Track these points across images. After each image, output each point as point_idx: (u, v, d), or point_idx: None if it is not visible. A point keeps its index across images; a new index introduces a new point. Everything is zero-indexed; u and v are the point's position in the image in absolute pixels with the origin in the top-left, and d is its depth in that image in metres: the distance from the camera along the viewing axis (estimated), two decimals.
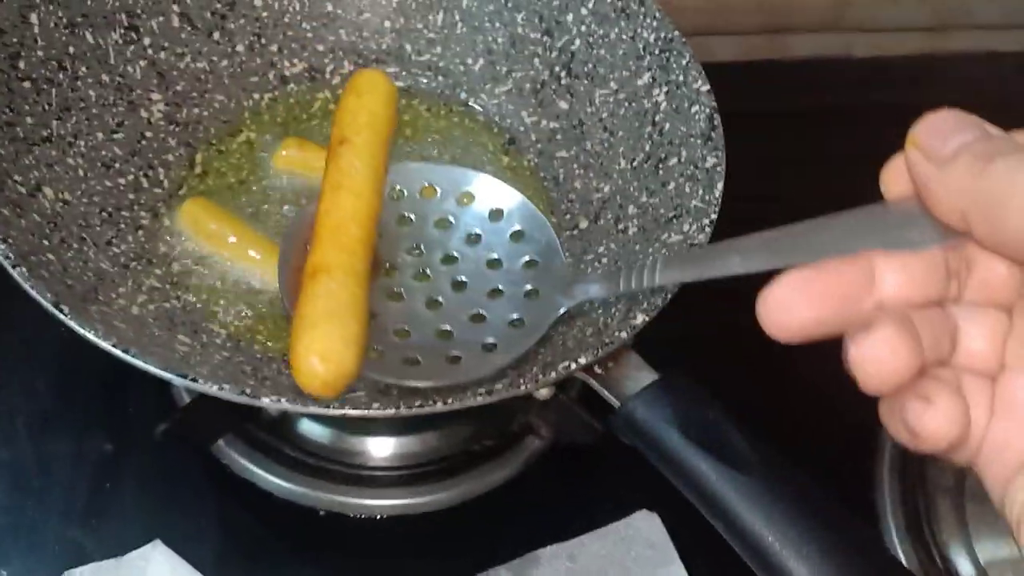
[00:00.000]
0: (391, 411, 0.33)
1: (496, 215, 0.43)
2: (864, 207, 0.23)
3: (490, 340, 0.39)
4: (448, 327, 0.40)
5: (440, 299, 0.41)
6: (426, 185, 0.44)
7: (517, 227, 0.43)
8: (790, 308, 0.21)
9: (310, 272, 0.37)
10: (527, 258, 0.42)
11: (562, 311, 0.39)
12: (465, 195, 0.43)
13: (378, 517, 0.47)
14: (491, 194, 0.43)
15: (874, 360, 0.21)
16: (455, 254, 0.42)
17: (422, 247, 0.42)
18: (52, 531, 0.44)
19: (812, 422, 0.48)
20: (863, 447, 0.48)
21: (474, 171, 0.45)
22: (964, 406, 0.22)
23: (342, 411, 0.33)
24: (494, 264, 0.42)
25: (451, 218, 0.43)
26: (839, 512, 0.32)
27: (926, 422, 0.22)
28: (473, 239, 0.42)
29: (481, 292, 0.41)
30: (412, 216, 0.43)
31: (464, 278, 0.41)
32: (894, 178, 0.23)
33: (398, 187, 0.44)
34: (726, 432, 0.33)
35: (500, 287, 0.41)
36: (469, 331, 0.39)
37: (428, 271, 0.42)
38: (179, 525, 0.44)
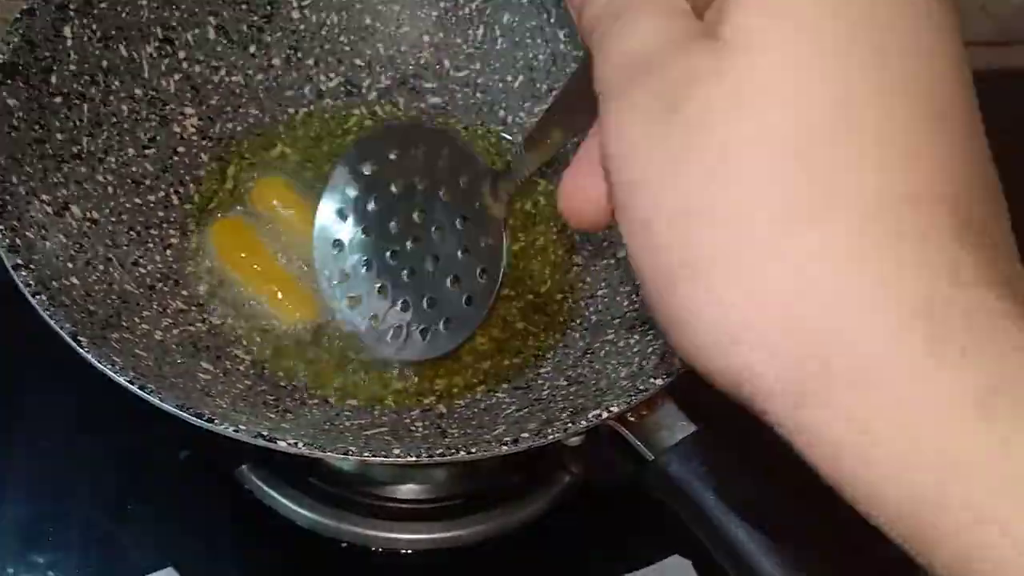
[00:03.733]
0: (412, 459, 0.32)
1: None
2: None
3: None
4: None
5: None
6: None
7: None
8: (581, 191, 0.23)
9: None
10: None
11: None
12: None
13: (402, 551, 0.45)
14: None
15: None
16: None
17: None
18: (74, 552, 0.44)
19: None
20: None
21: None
22: None
23: (361, 457, 0.32)
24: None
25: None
26: None
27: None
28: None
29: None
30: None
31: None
32: None
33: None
34: (768, 496, 0.31)
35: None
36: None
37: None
38: (196, 551, 0.44)
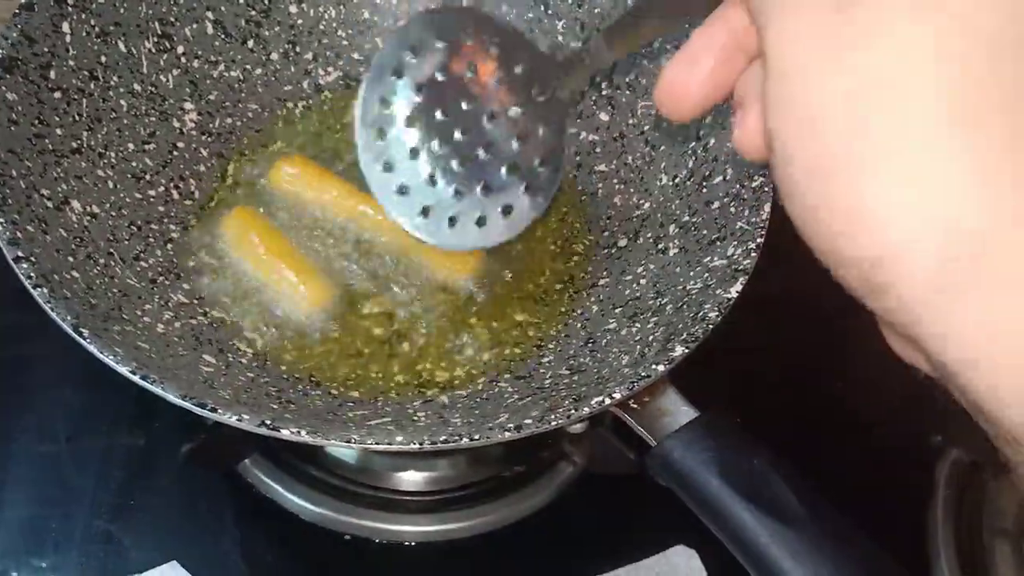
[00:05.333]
0: (415, 446, 0.32)
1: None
2: None
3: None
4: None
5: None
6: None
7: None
8: (687, 82, 0.24)
9: None
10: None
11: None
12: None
13: (405, 543, 0.45)
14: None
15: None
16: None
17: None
18: (74, 546, 0.44)
19: (863, 466, 0.45)
20: (915, 493, 0.46)
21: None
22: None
23: (364, 444, 0.32)
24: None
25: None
26: (890, 569, 0.29)
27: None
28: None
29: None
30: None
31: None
32: None
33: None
34: (771, 479, 0.31)
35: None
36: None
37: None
38: (200, 545, 0.44)
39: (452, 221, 0.40)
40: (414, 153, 0.40)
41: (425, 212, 0.40)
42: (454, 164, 0.40)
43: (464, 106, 0.39)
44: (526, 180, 0.40)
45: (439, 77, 0.39)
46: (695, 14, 0.25)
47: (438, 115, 0.40)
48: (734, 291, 0.37)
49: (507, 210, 0.40)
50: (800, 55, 0.20)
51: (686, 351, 0.35)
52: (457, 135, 0.40)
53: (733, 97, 0.25)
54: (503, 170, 0.40)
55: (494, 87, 0.39)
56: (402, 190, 0.40)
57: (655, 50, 0.48)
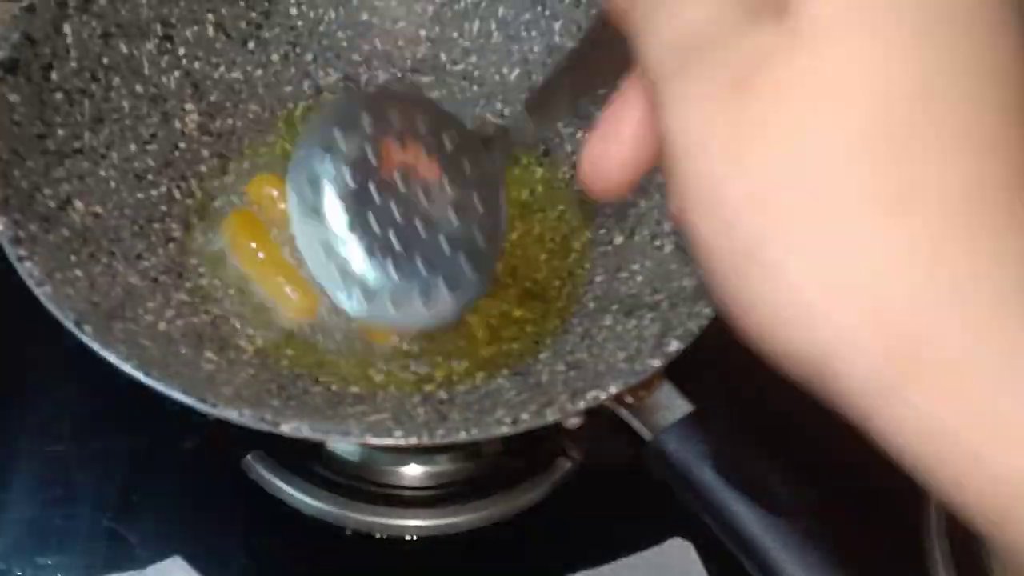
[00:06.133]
0: (413, 440, 0.32)
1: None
2: None
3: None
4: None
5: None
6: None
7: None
8: (605, 159, 0.22)
9: None
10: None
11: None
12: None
13: (406, 537, 0.46)
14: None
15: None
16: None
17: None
18: (79, 543, 0.44)
19: (859, 460, 0.45)
20: (911, 486, 0.46)
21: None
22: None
23: (363, 439, 0.32)
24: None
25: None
26: (885, 562, 0.30)
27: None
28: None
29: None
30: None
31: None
32: None
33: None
34: (765, 472, 0.31)
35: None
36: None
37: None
38: (203, 540, 0.44)
39: (397, 300, 0.39)
40: (351, 232, 0.39)
41: (367, 293, 0.39)
42: (393, 242, 0.39)
43: (398, 182, 0.39)
44: (465, 252, 0.39)
45: (370, 155, 0.39)
46: (606, 87, 0.24)
47: (372, 192, 0.39)
48: None
49: (452, 284, 0.39)
50: (697, 146, 0.19)
51: (682, 346, 0.36)
52: (394, 212, 0.39)
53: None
54: (444, 243, 0.39)
55: (426, 162, 0.39)
56: (343, 272, 0.39)
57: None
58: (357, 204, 0.39)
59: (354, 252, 0.39)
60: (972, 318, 0.17)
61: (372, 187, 0.39)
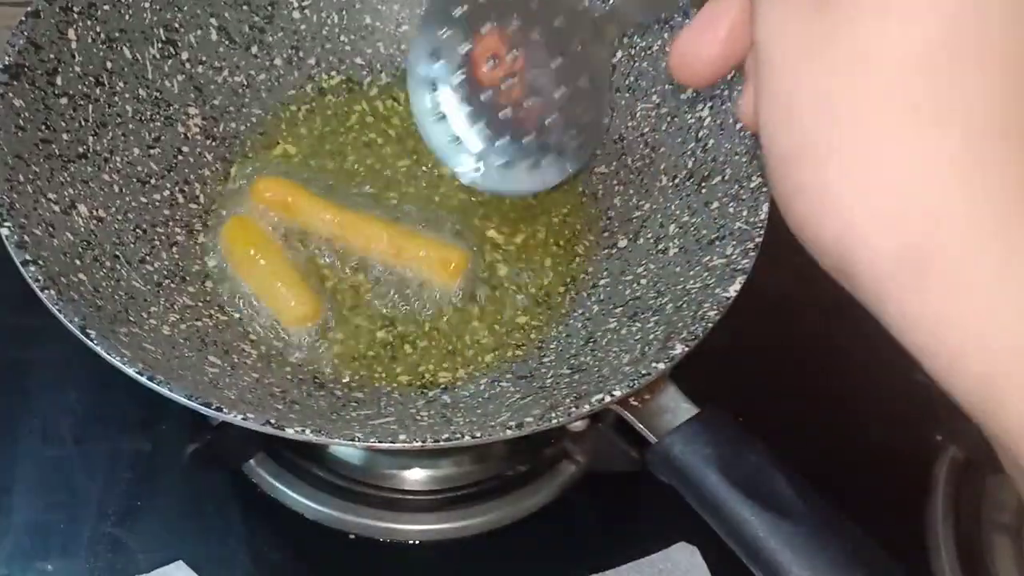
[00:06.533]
0: (417, 444, 0.32)
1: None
2: None
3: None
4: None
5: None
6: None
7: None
8: (695, 47, 0.25)
9: None
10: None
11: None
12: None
13: (410, 542, 0.46)
14: None
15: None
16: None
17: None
18: (82, 548, 0.44)
19: (862, 463, 0.46)
20: (915, 488, 0.46)
21: None
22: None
23: (367, 443, 0.32)
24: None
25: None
26: (889, 563, 0.30)
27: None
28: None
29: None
30: None
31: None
32: None
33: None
34: (770, 474, 0.31)
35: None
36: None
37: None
38: (206, 545, 0.44)
39: (506, 167, 0.43)
40: (464, 103, 0.42)
41: (479, 160, 0.42)
42: (504, 112, 0.42)
43: (509, 57, 0.41)
44: (572, 127, 0.41)
45: (483, 30, 0.41)
46: None
47: (486, 67, 0.42)
48: (733, 290, 0.37)
49: (559, 152, 0.42)
50: (780, 48, 0.22)
51: (686, 349, 0.36)
52: (505, 85, 0.42)
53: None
54: (550, 117, 0.41)
55: (536, 39, 0.41)
56: (455, 140, 0.42)
57: (654, 52, 0.48)
58: (472, 77, 0.42)
59: (467, 122, 0.42)
60: (980, 221, 0.19)
61: (486, 64, 0.42)
